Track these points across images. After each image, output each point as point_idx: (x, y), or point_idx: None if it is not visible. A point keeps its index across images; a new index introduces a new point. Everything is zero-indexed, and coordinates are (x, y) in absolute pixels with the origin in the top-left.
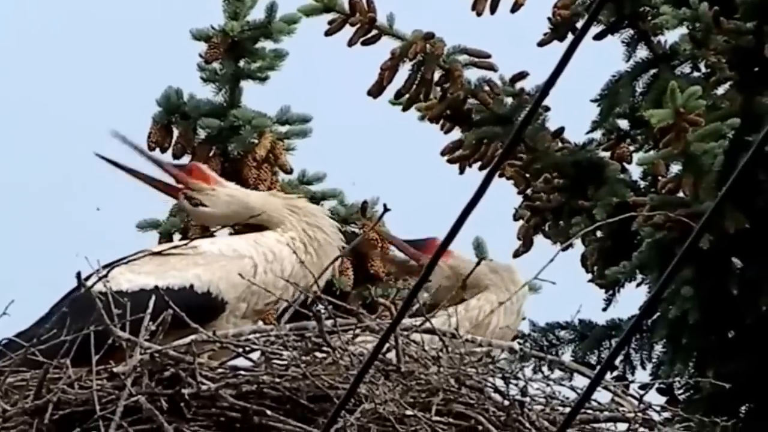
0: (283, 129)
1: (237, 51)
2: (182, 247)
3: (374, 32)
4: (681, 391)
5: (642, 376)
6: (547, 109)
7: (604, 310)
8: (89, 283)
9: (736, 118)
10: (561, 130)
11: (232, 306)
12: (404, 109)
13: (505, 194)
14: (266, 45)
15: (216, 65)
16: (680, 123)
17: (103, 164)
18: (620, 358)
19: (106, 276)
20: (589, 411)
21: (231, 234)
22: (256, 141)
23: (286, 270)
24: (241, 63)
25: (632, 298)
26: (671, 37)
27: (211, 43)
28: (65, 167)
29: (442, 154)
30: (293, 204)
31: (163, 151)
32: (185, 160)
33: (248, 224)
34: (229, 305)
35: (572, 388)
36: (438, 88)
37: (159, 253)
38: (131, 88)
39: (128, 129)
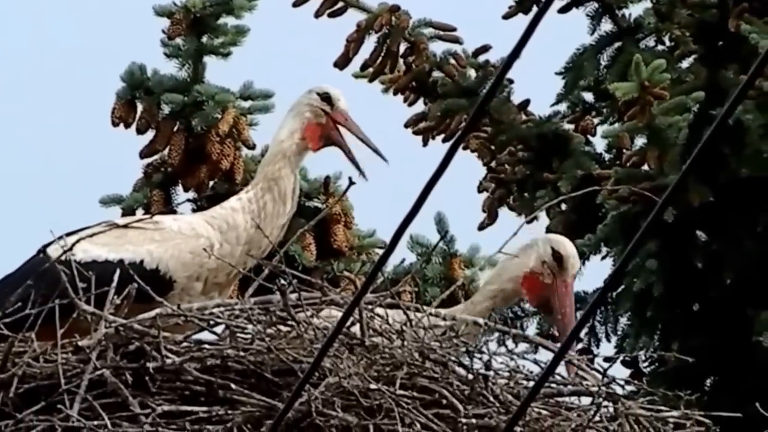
0: (246, 104)
1: (199, 27)
2: (146, 221)
3: (340, 4)
4: (646, 365)
5: (607, 349)
6: (512, 81)
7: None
8: (50, 251)
9: (701, 92)
10: (526, 102)
11: (183, 285)
12: (370, 81)
13: (469, 167)
14: (228, 21)
15: (179, 41)
16: (645, 96)
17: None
18: (585, 331)
19: (71, 249)
20: (553, 385)
21: (193, 210)
22: (219, 116)
23: (242, 237)
24: (204, 39)
25: (597, 272)
26: (635, 10)
27: (173, 19)
28: (31, 143)
29: (406, 126)
30: (276, 170)
31: (127, 126)
32: (149, 135)
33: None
34: (177, 284)
35: (536, 362)
36: (403, 61)
37: (120, 226)
38: (95, 64)
39: (92, 105)
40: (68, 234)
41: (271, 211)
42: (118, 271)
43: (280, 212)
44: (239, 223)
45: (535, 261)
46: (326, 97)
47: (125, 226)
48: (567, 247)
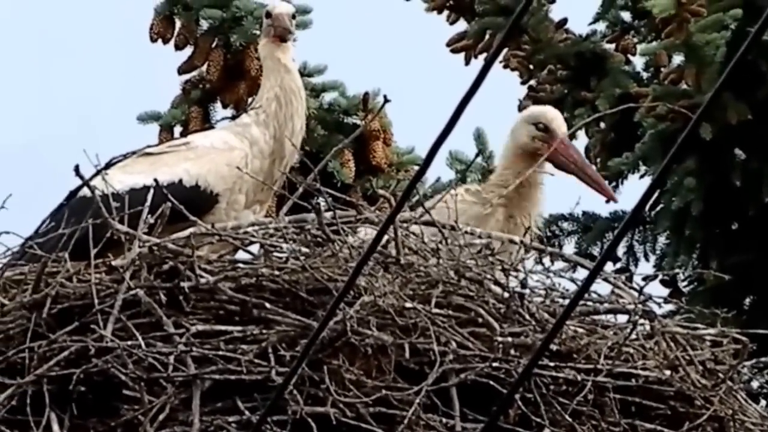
0: None
1: None
2: (177, 144)
3: None
4: (685, 284)
5: (646, 268)
6: (552, 1)
7: (608, 201)
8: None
9: (738, 9)
10: (564, 21)
11: (227, 198)
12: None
13: (509, 85)
14: None
15: None
16: (682, 13)
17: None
18: (624, 250)
19: (105, 169)
20: (589, 303)
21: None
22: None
23: (265, 150)
24: None
25: (636, 191)
26: None
27: None
28: (69, 59)
29: (448, 45)
30: (272, 81)
31: (166, 42)
32: (187, 51)
33: None
34: (221, 197)
35: (572, 280)
36: None
37: (153, 153)
38: None
39: (131, 21)
40: (103, 168)
41: (284, 116)
42: (152, 191)
43: (293, 113)
44: (257, 137)
45: (525, 140)
46: (267, 14)
47: (158, 153)
48: (547, 113)
